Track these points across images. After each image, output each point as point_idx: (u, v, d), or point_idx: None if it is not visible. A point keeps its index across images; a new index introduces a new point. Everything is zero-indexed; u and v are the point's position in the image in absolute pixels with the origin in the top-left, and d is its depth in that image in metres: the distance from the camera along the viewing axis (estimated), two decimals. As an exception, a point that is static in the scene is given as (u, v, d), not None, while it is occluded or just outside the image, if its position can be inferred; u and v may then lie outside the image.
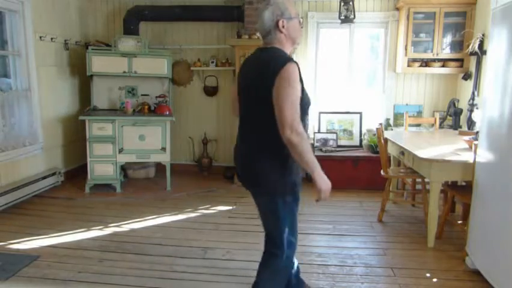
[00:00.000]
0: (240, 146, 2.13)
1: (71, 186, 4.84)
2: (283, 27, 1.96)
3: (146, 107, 4.92)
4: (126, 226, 3.70)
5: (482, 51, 4.21)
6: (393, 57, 5.10)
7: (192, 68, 5.47)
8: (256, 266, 2.95)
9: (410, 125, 4.73)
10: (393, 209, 4.25)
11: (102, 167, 4.65)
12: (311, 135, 5.23)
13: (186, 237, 3.45)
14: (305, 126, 1.97)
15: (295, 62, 1.88)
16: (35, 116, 4.44)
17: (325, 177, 1.90)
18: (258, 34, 4.74)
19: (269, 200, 2.02)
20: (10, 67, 4.25)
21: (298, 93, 1.86)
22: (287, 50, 2.02)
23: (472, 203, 2.93)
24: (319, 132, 5.25)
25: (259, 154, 2.00)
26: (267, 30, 1.98)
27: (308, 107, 2.02)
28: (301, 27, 2.10)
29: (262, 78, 1.89)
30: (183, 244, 3.32)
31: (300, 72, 1.89)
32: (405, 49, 4.78)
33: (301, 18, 2.14)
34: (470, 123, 4.41)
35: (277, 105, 1.83)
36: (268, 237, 2.14)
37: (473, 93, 4.40)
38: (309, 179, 5.19)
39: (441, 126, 4.81)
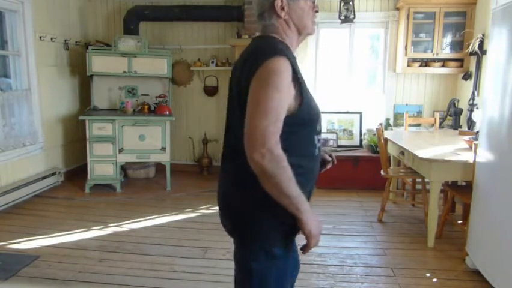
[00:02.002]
0: (219, 176, 1.51)
1: (71, 186, 4.84)
2: (282, 9, 1.35)
3: (146, 107, 4.92)
4: (126, 226, 3.70)
5: (482, 51, 4.21)
6: (393, 57, 5.10)
7: (191, 68, 5.47)
8: None
9: (410, 125, 4.73)
10: (393, 209, 4.25)
11: (102, 167, 4.65)
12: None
13: (186, 237, 3.45)
14: (313, 147, 1.39)
15: (285, 55, 1.27)
16: (35, 116, 4.44)
17: (314, 215, 1.29)
18: (257, 34, 4.74)
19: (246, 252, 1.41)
20: (10, 67, 4.25)
21: (284, 99, 1.24)
22: (291, 41, 1.41)
23: (472, 203, 2.93)
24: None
25: (235, 187, 1.40)
26: (260, 13, 1.40)
27: (317, 119, 1.39)
28: (316, 11, 1.44)
29: (240, 79, 1.33)
30: (183, 244, 3.32)
31: (295, 70, 1.29)
32: (405, 49, 4.78)
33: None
34: (470, 123, 4.41)
35: (248, 114, 1.22)
36: None
37: (473, 93, 4.40)
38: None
39: (441, 126, 4.81)
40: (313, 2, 1.41)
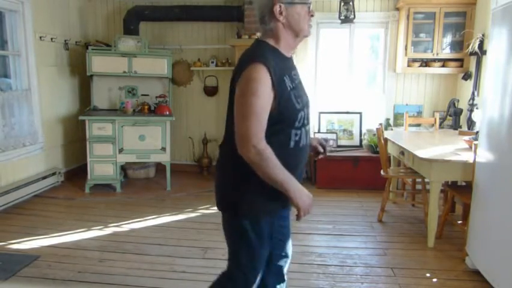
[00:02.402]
0: (217, 162, 1.77)
1: (71, 186, 4.84)
2: (280, 13, 1.51)
3: (146, 107, 4.92)
4: (126, 226, 3.70)
5: (482, 51, 4.21)
6: (393, 57, 5.10)
7: (191, 68, 5.47)
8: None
9: (410, 125, 4.73)
10: (393, 209, 4.25)
11: (102, 167, 4.65)
12: (311, 135, 5.23)
13: (186, 237, 3.45)
14: (295, 141, 1.58)
15: (263, 61, 1.44)
16: (35, 116, 4.44)
17: (303, 192, 1.54)
18: (258, 34, 4.75)
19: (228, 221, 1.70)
20: (10, 67, 4.25)
21: (265, 102, 1.44)
22: (286, 44, 1.57)
23: (472, 203, 2.93)
24: (319, 132, 5.25)
25: (224, 168, 1.67)
26: (260, 17, 1.55)
27: (293, 118, 1.55)
28: (312, 16, 1.59)
29: (232, 81, 1.53)
30: (183, 244, 3.32)
31: (272, 75, 1.45)
32: (405, 49, 4.78)
33: (310, 3, 1.59)
34: (470, 123, 4.41)
35: (235, 116, 1.47)
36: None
37: (473, 93, 4.40)
38: (308, 178, 5.10)
39: (441, 126, 4.81)
40: (309, 7, 1.55)
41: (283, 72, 1.52)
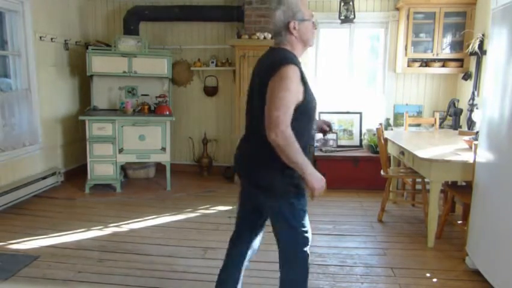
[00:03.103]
0: (242, 144, 2.12)
1: (71, 186, 4.84)
2: (294, 28, 1.89)
3: (146, 107, 4.91)
4: (126, 226, 3.70)
5: (482, 51, 4.21)
6: (393, 57, 5.10)
7: (191, 68, 5.47)
8: (256, 265, 2.95)
9: (410, 125, 4.73)
10: (393, 209, 4.25)
11: (102, 167, 4.65)
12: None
13: (186, 237, 3.45)
14: (309, 130, 1.92)
15: (295, 64, 1.82)
16: (35, 116, 4.44)
17: (317, 175, 1.83)
18: (258, 34, 4.75)
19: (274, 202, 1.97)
20: (10, 67, 4.25)
21: (293, 96, 1.78)
22: (298, 51, 1.96)
23: (472, 203, 2.93)
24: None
25: (259, 154, 1.93)
26: (277, 31, 1.93)
27: (313, 111, 1.93)
28: (315, 29, 2.00)
29: (262, 78, 1.86)
30: (183, 244, 3.32)
31: (302, 74, 1.83)
32: (405, 49, 4.78)
33: (315, 20, 1.99)
34: (470, 123, 4.41)
35: (267, 105, 1.77)
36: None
37: (473, 93, 4.40)
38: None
39: (441, 126, 4.81)
40: (313, 22, 1.96)
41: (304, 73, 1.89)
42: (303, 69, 1.88)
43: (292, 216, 1.96)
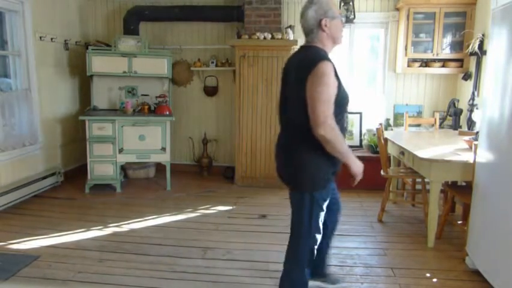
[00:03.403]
0: (279, 141, 2.24)
1: (71, 186, 4.84)
2: (325, 26, 2.02)
3: (146, 107, 4.91)
4: (126, 226, 3.70)
5: (482, 51, 4.21)
6: (393, 58, 5.10)
7: (191, 68, 5.47)
8: (256, 265, 2.95)
9: (410, 125, 4.73)
10: (393, 209, 4.25)
11: (102, 167, 4.65)
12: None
13: (186, 237, 3.45)
14: (343, 122, 2.07)
15: (329, 60, 1.95)
16: (35, 116, 4.44)
17: (358, 162, 2.07)
18: (258, 34, 4.75)
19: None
20: (10, 67, 4.25)
21: (332, 91, 1.93)
22: (328, 48, 2.08)
23: (472, 203, 2.93)
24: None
25: (296, 147, 2.08)
26: (309, 29, 2.05)
27: (346, 103, 2.09)
28: (343, 27, 2.14)
29: (298, 75, 1.99)
30: (183, 244, 3.32)
31: (335, 69, 1.96)
32: (405, 49, 4.78)
33: (344, 17, 2.10)
34: (470, 123, 4.41)
35: (310, 103, 1.91)
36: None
37: (473, 93, 4.40)
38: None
39: (441, 126, 4.81)
40: (341, 20, 2.09)
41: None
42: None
43: (311, 209, 2.10)
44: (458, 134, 4.19)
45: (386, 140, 3.99)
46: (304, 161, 2.05)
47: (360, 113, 5.27)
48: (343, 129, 2.08)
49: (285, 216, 3.99)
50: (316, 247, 2.28)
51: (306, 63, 1.96)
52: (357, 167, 2.07)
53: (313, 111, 1.89)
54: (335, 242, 3.39)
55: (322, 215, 2.18)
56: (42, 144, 4.56)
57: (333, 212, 2.43)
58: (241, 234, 3.54)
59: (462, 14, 4.62)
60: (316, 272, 2.56)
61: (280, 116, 2.23)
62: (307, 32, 2.07)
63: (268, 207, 4.25)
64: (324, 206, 2.17)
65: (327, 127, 1.87)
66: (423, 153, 3.25)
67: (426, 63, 4.86)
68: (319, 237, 2.24)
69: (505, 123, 2.46)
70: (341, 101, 2.02)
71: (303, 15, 2.06)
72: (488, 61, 2.87)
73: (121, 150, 4.67)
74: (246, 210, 4.16)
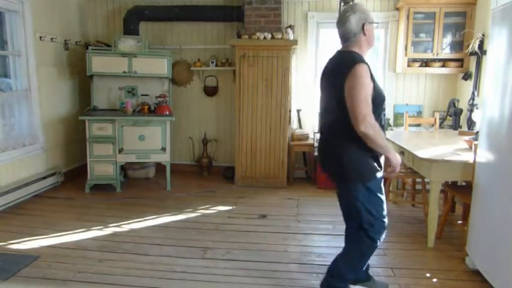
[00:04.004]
0: (321, 137, 2.50)
1: (71, 186, 4.84)
2: (366, 30, 2.24)
3: (146, 107, 4.91)
4: (126, 226, 3.70)
5: (482, 51, 4.21)
6: (393, 57, 5.10)
7: (191, 68, 5.47)
8: (256, 266, 2.95)
9: (410, 125, 4.73)
10: (393, 209, 4.24)
11: (102, 167, 4.65)
12: (311, 136, 5.24)
13: (186, 237, 3.44)
14: (381, 119, 2.22)
15: (365, 62, 2.14)
16: (35, 116, 4.44)
17: (397, 155, 2.26)
18: (258, 34, 4.75)
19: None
20: (10, 67, 4.25)
21: (369, 91, 2.09)
22: (364, 51, 2.27)
23: (472, 203, 2.93)
24: (319, 132, 5.24)
25: (337, 140, 2.27)
26: (351, 34, 2.24)
27: (382, 102, 2.26)
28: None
29: (336, 78, 2.18)
30: (183, 244, 3.32)
31: (370, 71, 2.14)
32: (405, 49, 4.78)
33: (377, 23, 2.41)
34: (470, 123, 4.41)
35: (350, 103, 2.08)
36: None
37: (473, 93, 4.40)
38: (308, 178, 5.11)
39: (441, 126, 4.81)
40: (374, 25, 2.32)
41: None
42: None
43: (368, 199, 2.26)
44: (458, 134, 4.19)
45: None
46: (351, 156, 2.21)
47: (360, 113, 5.26)
48: (382, 126, 2.22)
49: (285, 216, 4.00)
50: (379, 237, 2.39)
51: (343, 66, 2.14)
52: (397, 160, 2.23)
53: (353, 111, 2.06)
54: (335, 242, 3.40)
55: (381, 204, 2.33)
56: (42, 144, 4.56)
57: None
58: (241, 234, 3.54)
59: (462, 14, 4.62)
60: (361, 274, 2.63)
61: (322, 118, 2.47)
62: (348, 37, 2.25)
63: (268, 207, 4.25)
64: (380, 195, 2.32)
65: (367, 124, 2.05)
66: (423, 153, 3.25)
67: (426, 63, 4.86)
68: (381, 224, 2.35)
69: (505, 123, 2.46)
70: (377, 100, 2.17)
71: (345, 22, 2.23)
72: (488, 61, 2.87)
73: (121, 150, 4.67)
74: (246, 210, 4.16)
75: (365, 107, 2.06)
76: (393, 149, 2.23)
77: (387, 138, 4.08)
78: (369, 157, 2.22)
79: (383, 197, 2.34)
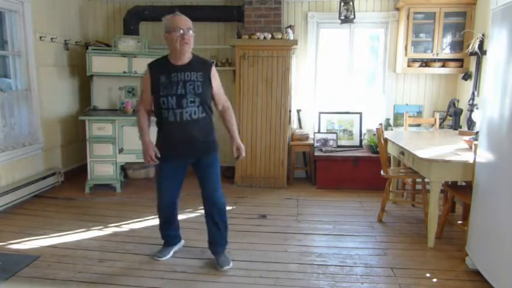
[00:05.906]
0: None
1: (71, 186, 4.83)
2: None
3: (146, 107, 4.90)
4: (126, 226, 3.70)
5: (482, 51, 4.21)
6: (393, 58, 5.11)
7: (192, 68, 5.46)
8: (256, 266, 2.95)
9: (410, 125, 4.73)
10: (393, 209, 4.25)
11: (102, 167, 4.65)
12: (311, 136, 5.24)
13: (186, 237, 3.44)
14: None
15: (150, 63, 3.00)
16: (35, 116, 4.44)
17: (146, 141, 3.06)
18: (258, 34, 4.74)
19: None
20: (10, 67, 4.25)
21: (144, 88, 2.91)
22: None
23: (472, 203, 2.93)
24: (319, 132, 5.25)
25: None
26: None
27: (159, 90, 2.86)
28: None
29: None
30: (183, 244, 3.32)
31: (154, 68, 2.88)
32: (405, 49, 4.78)
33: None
34: (470, 123, 4.41)
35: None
36: None
37: (473, 93, 4.40)
38: (308, 178, 5.09)
39: (441, 126, 4.81)
40: None
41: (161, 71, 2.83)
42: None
43: None
44: (458, 134, 4.19)
45: (386, 140, 3.99)
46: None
47: (360, 113, 5.27)
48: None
49: (285, 216, 4.00)
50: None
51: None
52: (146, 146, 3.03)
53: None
54: (335, 242, 3.40)
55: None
56: (42, 144, 4.56)
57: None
58: (241, 234, 3.54)
59: (462, 14, 4.62)
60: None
61: None
62: None
63: (268, 207, 4.25)
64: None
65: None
66: (423, 153, 3.25)
67: (426, 63, 4.86)
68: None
69: (505, 123, 2.46)
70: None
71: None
72: (488, 61, 2.87)
73: (121, 150, 4.66)
74: (246, 210, 4.16)
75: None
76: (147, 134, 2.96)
77: (386, 138, 4.10)
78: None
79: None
